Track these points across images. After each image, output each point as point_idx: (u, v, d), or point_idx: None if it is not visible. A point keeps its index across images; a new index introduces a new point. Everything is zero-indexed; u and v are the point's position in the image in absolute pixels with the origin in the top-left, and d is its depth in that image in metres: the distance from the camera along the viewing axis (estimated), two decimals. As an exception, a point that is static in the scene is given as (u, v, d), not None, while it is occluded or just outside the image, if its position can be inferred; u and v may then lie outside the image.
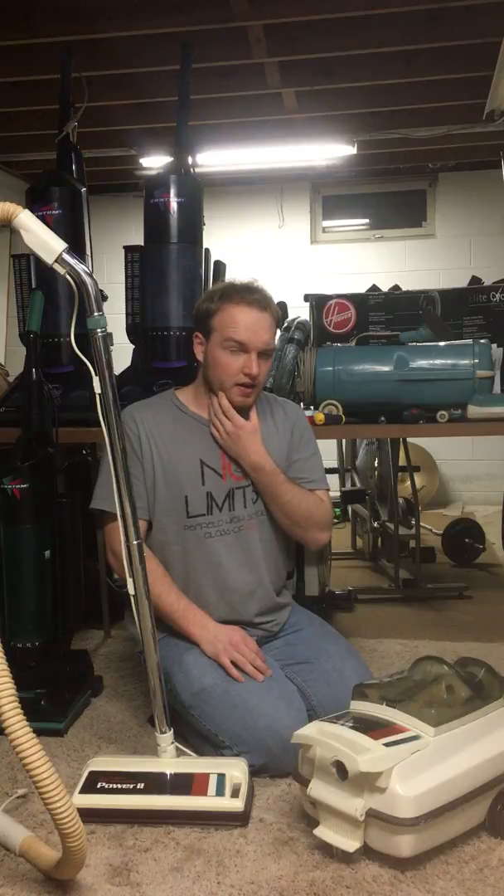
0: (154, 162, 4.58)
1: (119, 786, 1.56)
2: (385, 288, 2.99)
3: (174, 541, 1.90)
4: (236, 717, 1.68)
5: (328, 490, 2.04)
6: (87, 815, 1.39)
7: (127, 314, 2.60)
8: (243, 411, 1.95)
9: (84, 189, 2.60)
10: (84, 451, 2.85)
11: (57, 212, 2.51)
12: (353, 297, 2.82)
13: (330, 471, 2.17)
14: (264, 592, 1.94)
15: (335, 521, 3.14)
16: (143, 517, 1.88)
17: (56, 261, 1.39)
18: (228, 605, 1.90)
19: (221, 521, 1.90)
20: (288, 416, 2.04)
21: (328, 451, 3.48)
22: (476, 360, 2.42)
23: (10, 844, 1.40)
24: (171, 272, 2.47)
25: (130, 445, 1.87)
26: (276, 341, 2.69)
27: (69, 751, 1.87)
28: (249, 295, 1.85)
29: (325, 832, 1.42)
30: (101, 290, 1.49)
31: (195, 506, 1.89)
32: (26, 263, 2.64)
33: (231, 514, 1.91)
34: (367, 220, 5.85)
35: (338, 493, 4.06)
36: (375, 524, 3.67)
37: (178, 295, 2.47)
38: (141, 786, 1.56)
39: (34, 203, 2.53)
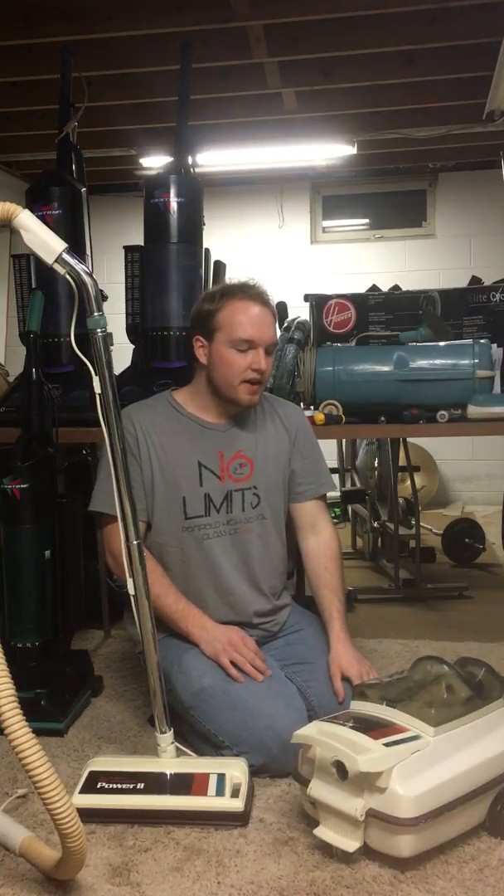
0: (154, 162, 4.58)
1: (119, 786, 1.56)
2: (385, 288, 2.99)
3: (172, 542, 1.90)
4: (236, 717, 1.68)
5: (334, 487, 2.03)
6: (87, 815, 1.40)
7: (127, 314, 2.60)
8: (250, 410, 1.95)
9: (84, 189, 2.60)
10: (84, 451, 2.85)
11: (57, 212, 2.51)
12: (353, 297, 2.82)
13: (330, 471, 2.17)
14: (261, 594, 1.94)
15: (335, 521, 3.14)
16: (142, 518, 1.88)
17: (56, 261, 1.39)
18: (227, 605, 1.90)
19: (218, 523, 1.90)
20: (290, 419, 2.03)
21: (328, 451, 3.48)
22: (476, 360, 2.42)
23: (10, 844, 1.40)
24: (171, 272, 2.47)
25: (128, 447, 1.87)
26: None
27: (69, 751, 1.87)
28: (251, 290, 1.85)
29: (325, 832, 1.42)
30: (101, 290, 1.49)
31: (193, 507, 1.89)
32: (26, 263, 2.64)
33: (228, 517, 1.91)
34: (367, 220, 5.85)
35: (338, 493, 4.06)
36: (375, 524, 3.67)
37: (178, 295, 2.47)
38: (141, 786, 1.56)
39: (34, 203, 2.53)
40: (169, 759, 1.61)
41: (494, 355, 2.49)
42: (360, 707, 1.55)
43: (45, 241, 1.38)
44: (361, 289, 2.97)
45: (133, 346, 2.64)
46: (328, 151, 4.53)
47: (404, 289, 2.98)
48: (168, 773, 1.60)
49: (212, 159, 4.55)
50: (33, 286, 2.60)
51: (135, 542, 1.53)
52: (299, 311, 2.90)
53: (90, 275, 1.42)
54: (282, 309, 2.87)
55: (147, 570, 1.57)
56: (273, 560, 1.98)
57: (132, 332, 2.60)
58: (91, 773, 1.60)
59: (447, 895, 1.32)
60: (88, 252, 2.67)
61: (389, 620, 2.88)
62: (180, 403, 1.96)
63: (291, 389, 2.58)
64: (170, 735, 1.61)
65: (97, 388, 1.47)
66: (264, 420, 2.00)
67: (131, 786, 1.56)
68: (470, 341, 2.51)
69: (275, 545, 1.98)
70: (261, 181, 5.56)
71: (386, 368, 2.47)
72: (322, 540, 2.00)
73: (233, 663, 1.75)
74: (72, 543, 2.26)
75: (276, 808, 1.59)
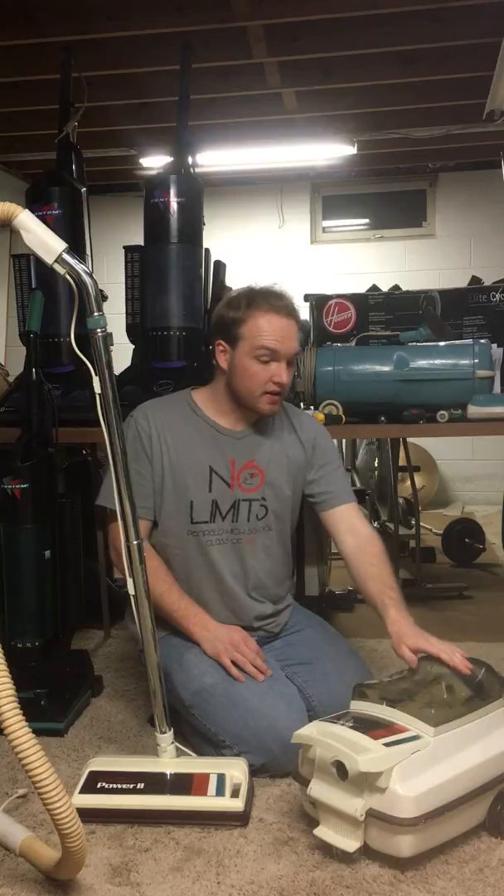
0: (154, 162, 4.59)
1: (119, 786, 1.56)
2: (385, 288, 2.99)
3: (176, 544, 1.89)
4: (237, 716, 1.68)
5: (356, 502, 1.98)
6: (87, 815, 1.40)
7: (127, 314, 2.60)
8: (267, 418, 1.93)
9: (84, 189, 2.60)
10: (84, 451, 2.84)
11: (57, 212, 2.52)
12: (353, 297, 2.82)
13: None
14: (262, 602, 1.93)
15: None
16: (149, 517, 1.87)
17: (56, 261, 1.39)
18: (229, 609, 1.90)
19: (222, 531, 1.88)
20: (305, 431, 1.99)
21: (328, 451, 3.48)
22: (476, 360, 2.42)
23: (10, 844, 1.40)
24: (171, 272, 2.47)
25: (141, 444, 1.86)
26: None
27: (69, 751, 1.87)
28: (277, 301, 1.81)
29: (325, 832, 1.42)
30: (101, 290, 1.48)
31: (199, 512, 1.87)
32: (26, 263, 2.64)
33: (232, 525, 1.89)
34: (367, 220, 5.85)
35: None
36: (375, 524, 3.67)
37: (178, 295, 2.47)
38: (141, 786, 1.56)
39: (34, 203, 2.53)
40: (169, 759, 1.61)
41: (494, 355, 2.49)
42: (360, 707, 1.55)
43: (45, 241, 1.37)
44: (361, 289, 2.97)
45: (133, 346, 2.64)
46: (328, 151, 4.53)
47: (404, 289, 2.98)
48: (168, 773, 1.60)
49: (212, 159, 4.55)
50: (33, 286, 2.60)
51: (135, 542, 1.53)
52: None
53: (90, 275, 1.42)
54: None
55: (151, 569, 1.57)
56: (276, 569, 1.96)
57: (132, 332, 2.60)
58: (91, 773, 1.60)
59: (447, 895, 1.32)
60: (88, 252, 2.67)
61: (389, 620, 2.88)
62: (198, 405, 1.92)
63: (291, 389, 2.58)
64: (170, 735, 1.61)
65: (97, 388, 1.47)
66: (281, 430, 1.97)
67: (131, 786, 1.56)
68: (470, 341, 2.51)
69: (278, 554, 1.97)
70: (261, 181, 5.56)
71: (386, 368, 2.47)
72: (362, 538, 1.93)
73: (234, 663, 1.75)
74: (72, 543, 2.26)
75: (276, 808, 1.59)
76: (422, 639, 1.64)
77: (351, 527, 1.94)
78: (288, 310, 1.83)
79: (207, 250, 2.64)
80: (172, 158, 2.67)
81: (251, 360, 1.81)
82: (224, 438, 1.90)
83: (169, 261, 2.47)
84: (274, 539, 1.95)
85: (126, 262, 2.58)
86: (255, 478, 1.90)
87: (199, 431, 1.90)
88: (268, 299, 1.82)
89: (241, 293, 1.87)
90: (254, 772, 1.64)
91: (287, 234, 5.79)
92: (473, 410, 2.40)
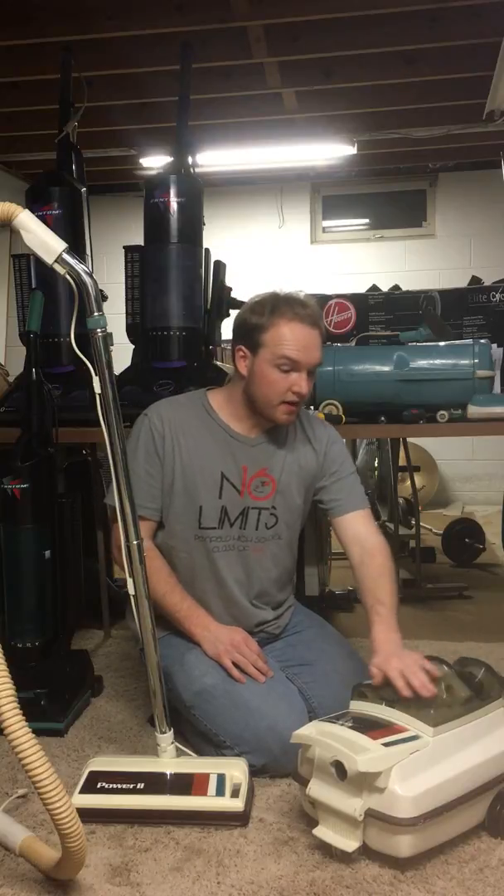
0: (154, 162, 4.59)
1: (119, 786, 1.56)
2: (385, 288, 2.99)
3: (183, 547, 1.88)
4: (238, 717, 1.68)
5: (367, 508, 1.95)
6: (87, 815, 1.40)
7: (127, 314, 2.60)
8: (282, 427, 1.90)
9: (84, 189, 2.60)
10: (84, 451, 2.84)
11: (57, 212, 2.52)
12: (353, 297, 2.82)
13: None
14: (264, 609, 1.93)
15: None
16: (155, 518, 1.86)
17: (56, 261, 1.39)
18: (231, 615, 1.89)
19: (229, 537, 1.87)
20: (319, 441, 1.96)
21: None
22: (476, 360, 2.42)
23: (10, 844, 1.40)
24: (171, 272, 2.47)
25: (153, 444, 1.84)
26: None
27: (69, 751, 1.87)
28: (302, 310, 1.77)
29: (324, 832, 1.42)
30: (101, 290, 1.48)
31: (208, 517, 1.85)
32: (26, 263, 2.64)
33: (240, 532, 1.88)
34: (367, 220, 5.86)
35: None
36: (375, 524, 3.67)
37: (178, 295, 2.47)
38: (141, 786, 1.56)
39: (34, 203, 2.53)
40: (169, 759, 1.61)
41: (494, 355, 2.48)
42: (359, 707, 1.55)
43: (45, 241, 1.37)
44: (361, 289, 2.97)
45: (133, 346, 2.64)
46: (328, 151, 4.53)
47: (404, 289, 2.98)
48: (168, 773, 1.60)
49: (212, 159, 4.55)
50: (33, 286, 2.60)
51: (135, 542, 1.53)
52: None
53: (90, 275, 1.42)
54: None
55: (154, 569, 1.56)
56: (281, 576, 1.96)
57: (132, 332, 2.60)
58: (91, 773, 1.60)
59: (447, 895, 1.32)
60: (88, 252, 2.67)
61: (389, 620, 2.88)
62: (214, 408, 1.90)
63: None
64: (170, 735, 1.61)
65: (97, 388, 1.47)
66: (294, 439, 1.94)
67: (131, 786, 1.56)
68: (470, 341, 2.50)
69: (285, 561, 1.96)
70: (261, 181, 5.57)
71: (386, 368, 2.47)
72: (366, 548, 1.88)
73: (235, 664, 1.75)
74: (72, 543, 2.26)
75: (276, 808, 1.59)
76: (387, 662, 1.58)
77: (356, 536, 1.91)
78: (312, 319, 1.78)
79: (207, 250, 2.64)
80: (172, 158, 2.67)
81: (271, 369, 1.77)
82: (237, 444, 1.88)
83: (169, 261, 2.47)
84: (283, 547, 1.94)
85: (126, 262, 2.58)
86: (267, 486, 1.89)
87: (213, 435, 1.88)
88: (292, 307, 1.77)
89: (266, 298, 1.81)
90: (254, 772, 1.64)
91: (287, 234, 5.80)
92: (473, 410, 2.40)
